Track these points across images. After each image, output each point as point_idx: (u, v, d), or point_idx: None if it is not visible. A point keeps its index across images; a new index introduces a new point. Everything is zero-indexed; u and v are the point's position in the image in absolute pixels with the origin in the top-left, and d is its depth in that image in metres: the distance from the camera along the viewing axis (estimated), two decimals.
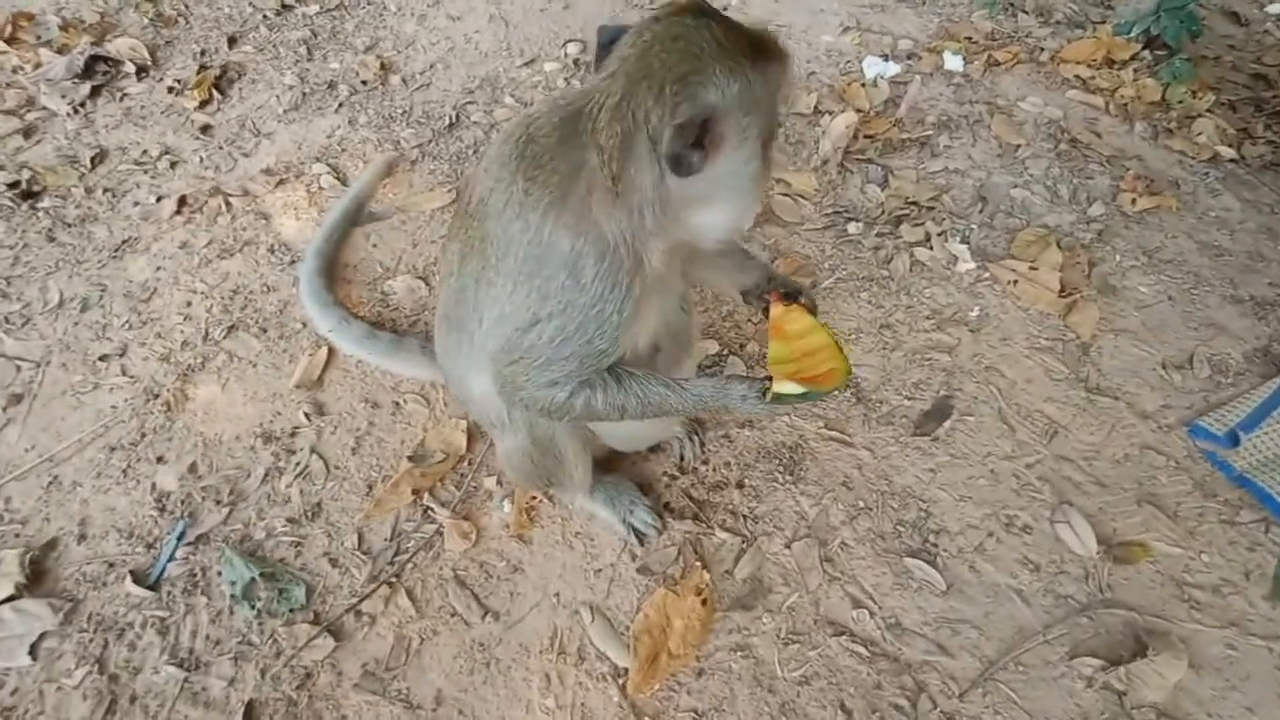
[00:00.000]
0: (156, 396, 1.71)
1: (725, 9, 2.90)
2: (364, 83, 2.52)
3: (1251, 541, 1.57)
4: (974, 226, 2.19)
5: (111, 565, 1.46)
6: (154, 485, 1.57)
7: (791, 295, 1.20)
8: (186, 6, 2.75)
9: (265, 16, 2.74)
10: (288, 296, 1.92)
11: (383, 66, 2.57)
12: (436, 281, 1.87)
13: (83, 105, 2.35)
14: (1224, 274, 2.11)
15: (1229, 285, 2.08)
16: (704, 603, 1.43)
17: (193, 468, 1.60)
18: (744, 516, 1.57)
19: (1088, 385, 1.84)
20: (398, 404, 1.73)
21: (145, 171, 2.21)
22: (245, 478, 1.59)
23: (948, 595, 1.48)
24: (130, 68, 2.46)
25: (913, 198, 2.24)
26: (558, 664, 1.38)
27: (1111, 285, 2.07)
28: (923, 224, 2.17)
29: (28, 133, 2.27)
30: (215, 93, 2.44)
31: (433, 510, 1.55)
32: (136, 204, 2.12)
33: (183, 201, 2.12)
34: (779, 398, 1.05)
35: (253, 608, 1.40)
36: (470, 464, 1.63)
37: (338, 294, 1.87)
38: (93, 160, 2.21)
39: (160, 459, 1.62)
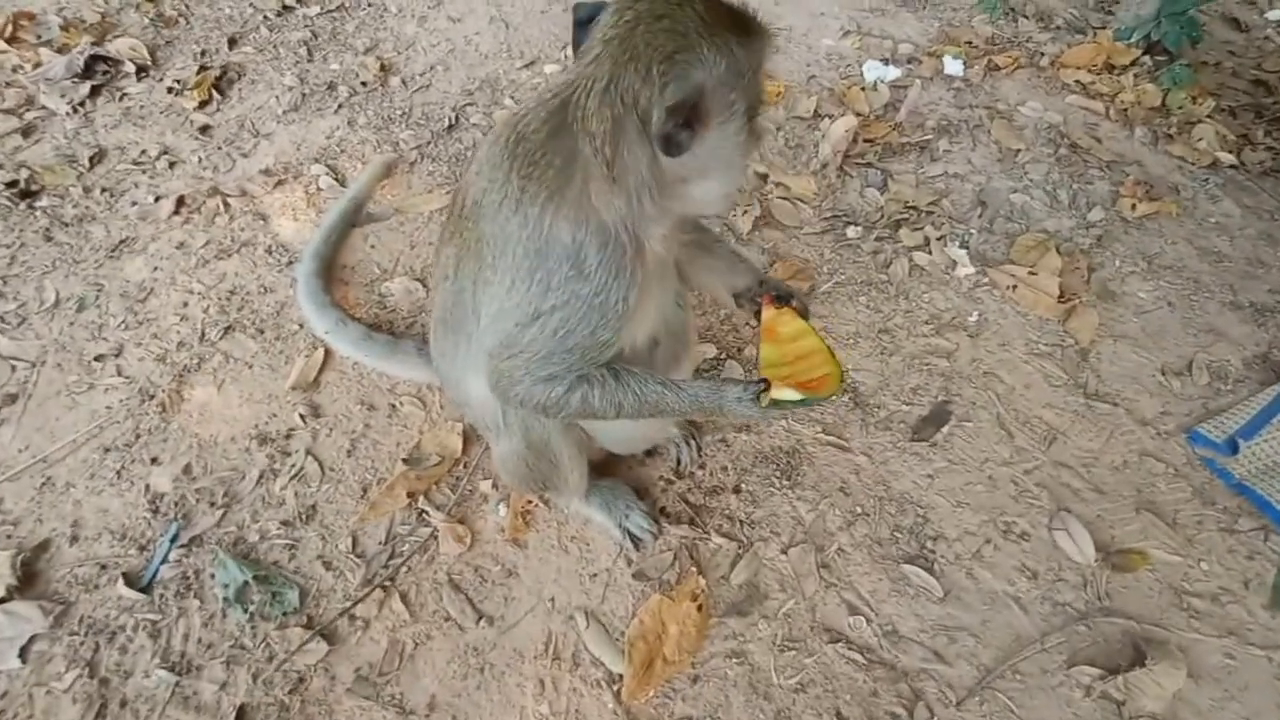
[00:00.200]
0: (152, 397, 1.71)
1: None
2: (364, 84, 2.51)
3: (1250, 550, 1.56)
4: (973, 231, 2.19)
5: (104, 567, 1.45)
6: (148, 487, 1.56)
7: (783, 299, 1.20)
8: (187, 7, 2.75)
9: (266, 17, 2.74)
10: (285, 297, 1.91)
11: (382, 68, 2.57)
12: (432, 285, 1.86)
13: (82, 105, 2.35)
14: (1224, 280, 2.10)
15: (1229, 291, 2.08)
16: (699, 608, 1.42)
17: (187, 469, 1.60)
18: (740, 522, 1.57)
19: (1086, 391, 1.83)
20: (394, 406, 1.72)
21: (144, 171, 2.20)
22: (240, 480, 1.59)
23: (945, 602, 1.47)
24: (130, 68, 2.46)
25: (912, 202, 2.24)
26: (552, 669, 1.37)
27: (1111, 291, 2.06)
28: (922, 228, 2.16)
29: (27, 132, 2.27)
30: (215, 93, 2.43)
31: (428, 514, 1.54)
32: (134, 204, 2.12)
33: (181, 202, 2.11)
34: (776, 403, 1.05)
35: (245, 611, 1.39)
36: (466, 467, 1.63)
37: (335, 295, 1.86)
38: (91, 160, 2.20)
39: (155, 460, 1.61)
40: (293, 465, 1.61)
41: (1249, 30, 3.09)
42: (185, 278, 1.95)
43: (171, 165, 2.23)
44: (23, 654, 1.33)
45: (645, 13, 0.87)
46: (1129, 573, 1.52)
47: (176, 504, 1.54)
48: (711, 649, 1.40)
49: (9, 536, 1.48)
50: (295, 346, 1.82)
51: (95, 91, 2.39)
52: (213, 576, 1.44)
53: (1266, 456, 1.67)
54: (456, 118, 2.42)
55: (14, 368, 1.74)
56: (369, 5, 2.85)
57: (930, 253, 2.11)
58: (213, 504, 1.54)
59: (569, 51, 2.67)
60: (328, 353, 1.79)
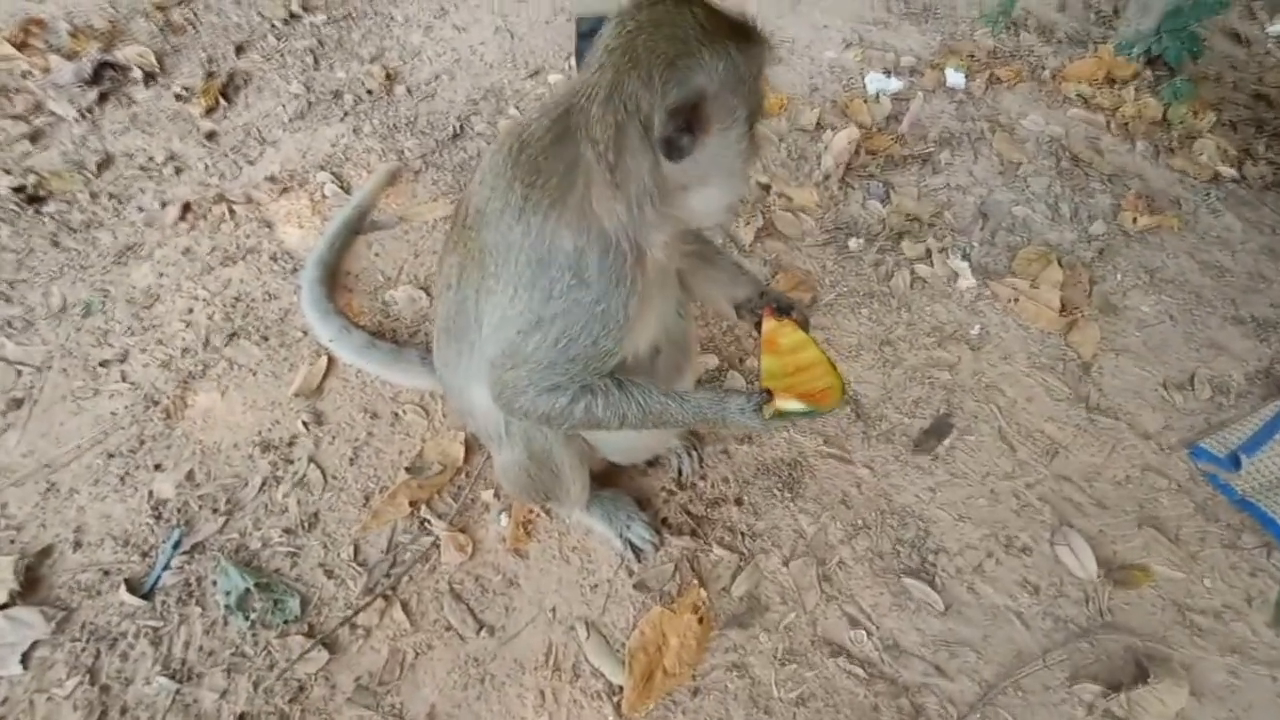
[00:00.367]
0: (156, 403, 1.71)
1: None
2: (369, 92, 2.53)
3: (1254, 567, 1.56)
4: (975, 243, 2.19)
5: (106, 573, 1.45)
6: (151, 493, 1.57)
7: (784, 310, 1.20)
8: (195, 14, 2.78)
9: (273, 25, 2.76)
10: (289, 304, 1.92)
11: (388, 76, 2.59)
12: (434, 295, 1.87)
13: (90, 111, 2.37)
14: (1225, 294, 2.11)
15: (1230, 306, 2.08)
16: (700, 620, 1.42)
17: (190, 476, 1.60)
18: (742, 533, 1.57)
19: (1088, 405, 1.83)
20: (396, 414, 1.72)
21: (150, 178, 2.22)
22: (242, 487, 1.59)
23: (946, 616, 1.47)
24: (138, 74, 2.48)
25: (914, 214, 2.25)
26: (552, 680, 1.37)
27: (1112, 304, 2.07)
28: (924, 240, 2.17)
29: (35, 137, 2.28)
30: (222, 100, 2.45)
31: (429, 522, 1.54)
32: (141, 210, 2.13)
33: (187, 208, 2.13)
34: (781, 414, 1.05)
35: (247, 619, 1.39)
36: (468, 476, 1.63)
37: (339, 303, 1.87)
38: (99, 166, 2.22)
39: (158, 466, 1.61)
40: (295, 473, 1.61)
41: (1250, 44, 3.11)
42: (190, 284, 1.96)
43: (178, 172, 2.25)
44: (24, 660, 1.33)
45: (646, 22, 0.89)
46: (1131, 588, 1.52)
47: (179, 510, 1.55)
48: (712, 661, 1.40)
49: (12, 541, 1.49)
50: (299, 353, 1.83)
51: (103, 98, 2.41)
52: (214, 584, 1.44)
53: (1269, 472, 1.67)
54: (461, 127, 2.44)
55: (20, 373, 1.75)
56: (375, 14, 2.87)
57: (932, 265, 2.12)
58: (215, 511, 1.55)
59: (573, 62, 2.69)
60: (331, 360, 1.80)
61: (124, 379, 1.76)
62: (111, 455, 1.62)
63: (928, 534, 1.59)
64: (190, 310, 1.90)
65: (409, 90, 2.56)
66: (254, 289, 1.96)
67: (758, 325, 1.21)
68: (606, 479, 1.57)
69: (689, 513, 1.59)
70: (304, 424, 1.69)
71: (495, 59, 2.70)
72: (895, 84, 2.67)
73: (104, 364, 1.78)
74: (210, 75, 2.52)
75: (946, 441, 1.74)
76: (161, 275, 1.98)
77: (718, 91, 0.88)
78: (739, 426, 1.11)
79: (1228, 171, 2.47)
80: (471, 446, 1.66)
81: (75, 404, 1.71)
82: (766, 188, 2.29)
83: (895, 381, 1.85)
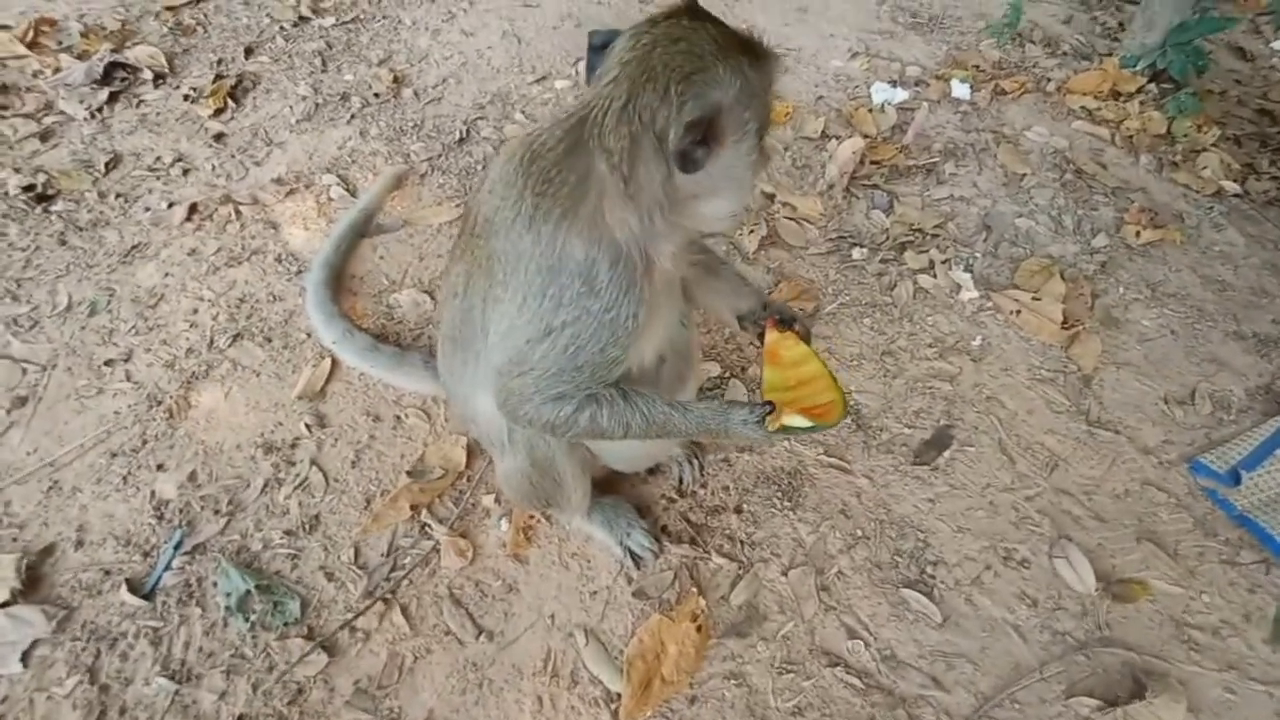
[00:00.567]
0: (159, 403, 1.72)
1: None
2: (376, 95, 2.55)
3: (1252, 583, 1.56)
4: (978, 255, 2.20)
5: (107, 573, 1.46)
6: (153, 493, 1.58)
7: (787, 322, 1.21)
8: (205, 16, 2.80)
9: (282, 28, 2.78)
10: (293, 306, 1.93)
11: (395, 80, 2.61)
12: (440, 302, 1.88)
13: (100, 111, 2.38)
14: (1227, 309, 2.11)
15: (1232, 321, 2.08)
16: (699, 629, 1.42)
17: (192, 476, 1.61)
18: (741, 542, 1.57)
19: (1089, 418, 1.84)
20: (399, 418, 1.73)
21: (158, 178, 2.23)
22: (244, 488, 1.60)
23: (944, 628, 1.47)
24: (148, 75, 2.50)
25: (917, 225, 2.25)
26: (550, 687, 1.37)
27: (1114, 318, 2.07)
28: (927, 251, 2.18)
29: (45, 136, 2.30)
30: (230, 101, 2.47)
31: (430, 527, 1.55)
32: (148, 210, 2.15)
33: (193, 208, 2.14)
34: (786, 429, 1.06)
35: (247, 620, 1.40)
36: (469, 481, 1.63)
37: (343, 305, 1.88)
38: (107, 165, 2.23)
39: (160, 466, 1.62)
40: (297, 475, 1.62)
41: (1254, 59, 3.12)
42: (196, 284, 1.97)
43: (185, 172, 2.26)
44: (25, 659, 1.34)
45: (662, 36, 0.90)
46: (1129, 603, 1.52)
47: (181, 511, 1.55)
48: (710, 670, 1.40)
49: (14, 539, 1.49)
50: (303, 356, 1.83)
51: (113, 98, 2.43)
52: (215, 585, 1.44)
53: (1269, 488, 1.67)
54: (467, 131, 2.45)
55: (25, 371, 1.76)
56: (383, 18, 2.89)
57: (935, 276, 2.12)
58: (217, 512, 1.56)
59: (580, 68, 2.70)
60: (335, 363, 1.81)
61: (128, 378, 1.77)
62: (114, 454, 1.63)
63: (926, 545, 1.59)
64: (195, 311, 1.91)
65: (416, 94, 2.58)
66: (259, 290, 1.97)
67: (760, 337, 1.21)
68: (607, 486, 1.58)
69: (689, 521, 1.60)
70: (306, 426, 1.69)
71: (502, 64, 2.72)
72: (901, 94, 2.68)
73: (108, 363, 1.79)
74: (219, 77, 2.54)
75: (946, 453, 1.74)
76: (167, 275, 1.99)
77: (732, 106, 0.91)
78: (741, 438, 1.12)
79: (1231, 186, 2.48)
80: (473, 451, 1.67)
81: (79, 403, 1.71)
82: (771, 196, 2.30)
83: (896, 392, 1.85)
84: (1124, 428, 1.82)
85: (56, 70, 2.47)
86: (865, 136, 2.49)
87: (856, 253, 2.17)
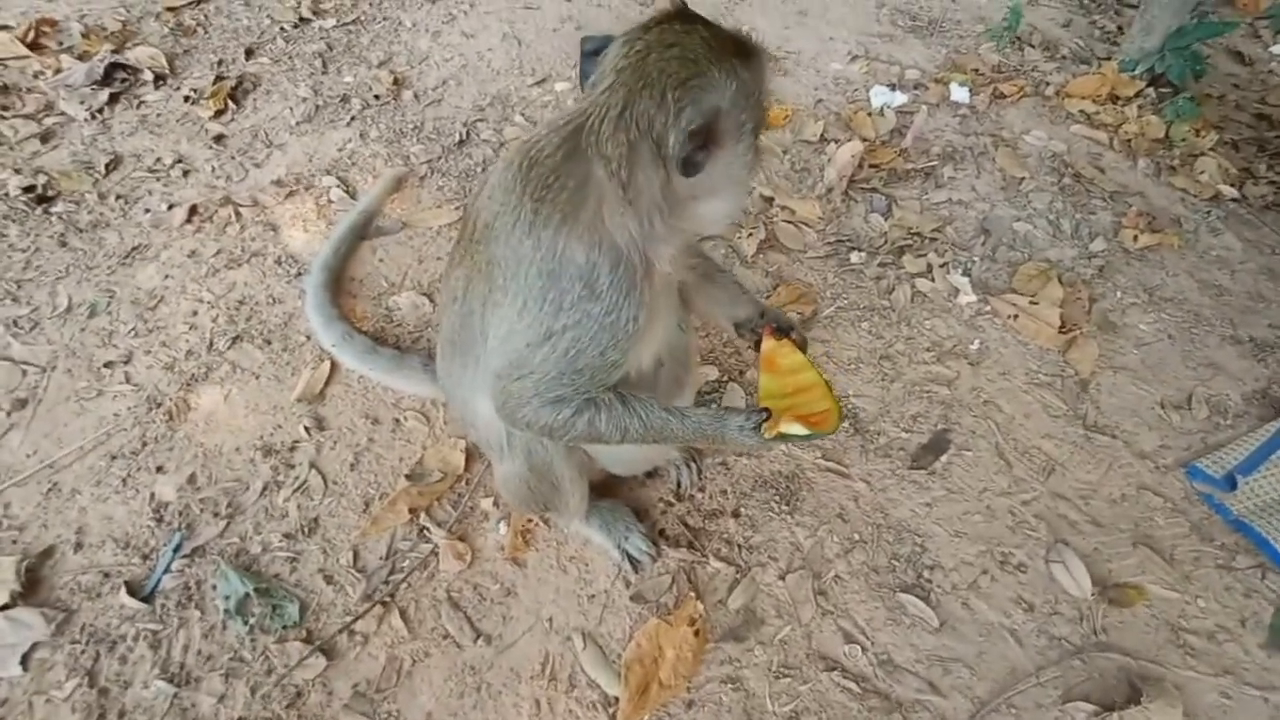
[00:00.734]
0: (159, 405, 1.72)
1: None
2: (376, 97, 2.55)
3: (1248, 588, 1.56)
4: (976, 259, 2.20)
5: (107, 575, 1.46)
6: (153, 495, 1.58)
7: (783, 330, 1.22)
8: (206, 17, 2.80)
9: (282, 29, 2.78)
10: (293, 309, 1.94)
11: (395, 81, 2.61)
12: (439, 307, 1.89)
13: (100, 112, 2.39)
14: (1224, 314, 2.12)
15: (1229, 326, 2.09)
16: (696, 633, 1.43)
17: (192, 479, 1.61)
18: (739, 546, 1.58)
19: (1086, 423, 1.84)
20: (398, 421, 1.74)
21: (158, 179, 2.24)
22: (244, 490, 1.60)
23: (940, 632, 1.48)
24: (148, 76, 2.50)
25: (916, 228, 2.26)
26: (548, 690, 1.37)
27: (1111, 322, 2.08)
28: (925, 255, 2.19)
29: (45, 137, 2.30)
30: (230, 103, 2.47)
31: (429, 530, 1.55)
32: (148, 211, 2.15)
33: (193, 210, 2.14)
34: (783, 436, 1.06)
35: (246, 623, 1.40)
36: (468, 484, 1.64)
37: (342, 308, 1.89)
38: (107, 166, 2.24)
39: (160, 469, 1.62)
40: (296, 477, 1.62)
41: (1253, 64, 3.12)
42: (195, 286, 1.97)
43: (185, 174, 2.26)
44: (24, 661, 1.34)
45: (655, 42, 0.91)
46: (1125, 608, 1.52)
47: (180, 513, 1.56)
48: (707, 674, 1.40)
49: (14, 542, 1.50)
50: (302, 358, 1.84)
51: (114, 99, 2.43)
52: (214, 588, 1.45)
53: (1265, 493, 1.68)
54: (467, 133, 2.45)
55: (25, 372, 1.76)
56: (384, 19, 2.89)
57: (933, 280, 2.13)
58: (216, 514, 1.56)
59: (577, 73, 2.71)
60: (334, 365, 1.81)
61: (127, 380, 1.77)
62: (114, 457, 1.64)
63: (923, 549, 1.59)
64: (194, 313, 1.92)
65: (416, 96, 2.58)
66: (258, 292, 1.97)
67: (757, 344, 1.22)
68: (605, 490, 1.58)
69: (686, 525, 1.60)
70: (306, 429, 1.70)
71: (502, 66, 2.72)
72: (900, 98, 2.69)
73: (108, 365, 1.79)
74: (220, 78, 2.54)
75: (944, 457, 1.74)
76: (167, 277, 1.99)
77: (729, 109, 0.92)
78: (737, 444, 1.12)
79: (1229, 191, 2.48)
80: (472, 454, 1.67)
81: (79, 404, 1.72)
82: (769, 200, 2.30)
83: (894, 396, 1.86)
84: (1121, 432, 1.83)
85: (57, 71, 2.47)
86: (864, 140, 2.50)
87: (855, 256, 2.18)
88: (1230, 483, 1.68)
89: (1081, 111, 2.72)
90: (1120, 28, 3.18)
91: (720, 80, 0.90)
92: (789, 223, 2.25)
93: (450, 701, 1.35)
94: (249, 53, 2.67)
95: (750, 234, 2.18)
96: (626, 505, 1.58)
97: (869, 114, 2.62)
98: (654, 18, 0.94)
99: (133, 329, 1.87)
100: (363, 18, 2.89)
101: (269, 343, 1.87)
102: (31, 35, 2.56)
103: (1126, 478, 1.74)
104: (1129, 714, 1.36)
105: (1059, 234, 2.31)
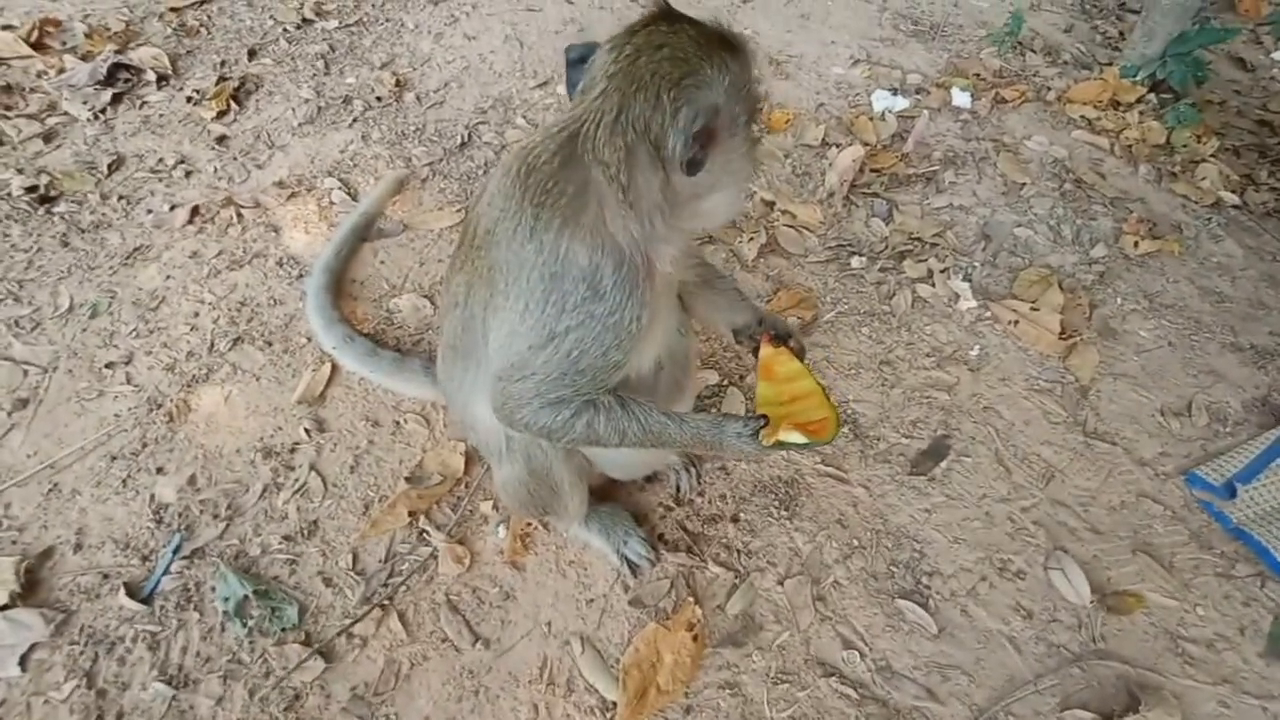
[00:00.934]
0: (159, 406, 1.73)
1: None
2: (379, 99, 2.55)
3: (1247, 596, 1.56)
4: (977, 264, 2.21)
5: (106, 577, 1.46)
6: (153, 496, 1.58)
7: (782, 338, 1.22)
8: (209, 18, 2.81)
9: (285, 30, 2.79)
10: (294, 310, 1.94)
11: (398, 83, 2.61)
12: (440, 312, 1.88)
13: (103, 112, 2.39)
14: (1225, 321, 2.12)
15: (1229, 333, 2.09)
16: (695, 638, 1.43)
17: (192, 480, 1.61)
18: (738, 551, 1.58)
19: (1085, 429, 1.84)
20: (398, 423, 1.74)
21: (160, 180, 2.24)
22: (243, 492, 1.60)
23: (939, 639, 1.48)
24: (151, 76, 2.51)
25: (917, 233, 2.26)
26: (546, 695, 1.37)
27: (1112, 328, 2.08)
28: (926, 260, 2.19)
29: (48, 137, 2.30)
30: (233, 104, 2.48)
31: (428, 533, 1.55)
32: (150, 212, 2.15)
33: (195, 211, 2.14)
34: (781, 444, 1.06)
35: (244, 626, 1.40)
36: (467, 487, 1.64)
37: (343, 310, 1.89)
38: (110, 167, 2.24)
39: (160, 470, 1.62)
40: (296, 480, 1.62)
41: (1254, 70, 3.13)
42: (197, 287, 1.98)
43: (188, 174, 2.26)
44: (23, 662, 1.34)
45: (643, 45, 0.92)
46: (1124, 615, 1.52)
47: (180, 515, 1.56)
48: (705, 679, 1.40)
49: (14, 542, 1.50)
50: (303, 360, 1.84)
51: (116, 99, 2.43)
52: (213, 590, 1.45)
53: (1264, 501, 1.68)
54: (469, 135, 2.46)
55: (26, 372, 1.76)
56: (386, 21, 2.90)
57: (933, 285, 2.13)
58: (216, 516, 1.56)
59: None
60: (334, 367, 1.81)
61: (128, 381, 1.77)
62: (114, 457, 1.64)
63: (922, 556, 1.59)
64: (196, 314, 1.92)
65: (418, 98, 2.58)
66: (259, 294, 1.97)
67: (755, 351, 1.22)
68: (604, 494, 1.58)
69: (686, 529, 1.60)
70: (306, 431, 1.70)
71: (504, 68, 2.72)
72: (901, 102, 2.69)
73: (109, 365, 1.79)
74: (222, 79, 2.55)
75: (943, 463, 1.74)
76: (168, 278, 2.00)
77: (724, 104, 0.92)
78: (735, 451, 1.12)
79: (1230, 197, 2.48)
80: (471, 458, 1.67)
81: (80, 405, 1.72)
82: (770, 204, 2.30)
83: (894, 402, 1.86)
84: (1120, 439, 1.83)
85: (60, 71, 2.47)
86: (865, 144, 2.50)
87: (855, 261, 2.18)
88: (1230, 490, 1.68)
89: (1083, 117, 2.72)
90: (1122, 33, 3.18)
91: (713, 77, 0.91)
92: (790, 227, 2.25)
93: (448, 705, 1.35)
94: (252, 54, 2.68)
95: (751, 238, 2.18)
96: (626, 510, 1.58)
97: (870, 118, 2.62)
98: (639, 21, 0.95)
99: (134, 330, 1.87)
100: (365, 19, 2.89)
101: (270, 344, 1.87)
102: (35, 35, 2.56)
103: (1126, 485, 1.74)
104: None
105: (1060, 240, 2.31)
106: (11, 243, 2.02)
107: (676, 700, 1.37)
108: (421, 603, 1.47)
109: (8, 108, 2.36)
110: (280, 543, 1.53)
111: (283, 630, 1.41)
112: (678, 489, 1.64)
